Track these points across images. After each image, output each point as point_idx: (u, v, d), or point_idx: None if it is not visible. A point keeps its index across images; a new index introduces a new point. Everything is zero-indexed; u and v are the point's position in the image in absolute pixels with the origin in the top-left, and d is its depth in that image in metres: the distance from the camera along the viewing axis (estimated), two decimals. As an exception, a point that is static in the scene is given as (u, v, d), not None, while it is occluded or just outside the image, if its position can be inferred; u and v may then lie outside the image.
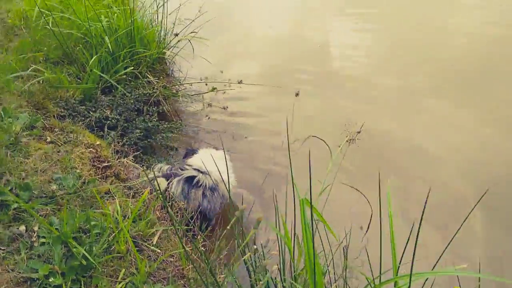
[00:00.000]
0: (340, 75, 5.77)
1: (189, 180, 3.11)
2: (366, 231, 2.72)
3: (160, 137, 3.94)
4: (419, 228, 1.57)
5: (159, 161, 3.84)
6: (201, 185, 3.08)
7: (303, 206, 1.96)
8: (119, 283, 2.06)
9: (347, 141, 2.94)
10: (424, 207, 1.40)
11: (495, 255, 3.21)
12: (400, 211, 3.44)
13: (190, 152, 3.53)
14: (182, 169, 3.19)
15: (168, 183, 2.96)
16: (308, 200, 1.95)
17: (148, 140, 3.85)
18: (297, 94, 3.74)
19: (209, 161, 2.90)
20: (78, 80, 4.16)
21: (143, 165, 3.72)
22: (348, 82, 5.57)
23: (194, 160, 3.24)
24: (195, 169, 3.15)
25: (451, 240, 1.80)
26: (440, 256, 1.85)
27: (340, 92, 5.31)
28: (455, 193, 3.78)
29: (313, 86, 5.37)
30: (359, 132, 3.07)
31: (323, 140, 2.73)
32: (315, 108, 4.82)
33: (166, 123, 4.14)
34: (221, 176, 2.50)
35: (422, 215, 1.42)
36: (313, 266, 1.82)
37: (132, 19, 4.46)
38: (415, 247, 1.54)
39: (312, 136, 2.75)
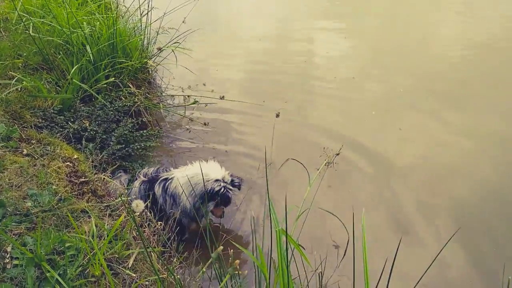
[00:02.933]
0: (323, 92, 5.85)
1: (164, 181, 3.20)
2: (343, 257, 2.78)
3: (138, 146, 3.89)
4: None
5: (140, 165, 3.82)
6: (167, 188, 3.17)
7: (279, 236, 2.00)
8: (93, 308, 2.05)
9: (325, 164, 3.01)
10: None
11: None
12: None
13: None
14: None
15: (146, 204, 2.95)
16: (284, 230, 2.00)
17: (126, 149, 3.79)
18: (277, 115, 3.77)
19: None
20: (58, 88, 4.09)
21: (121, 171, 3.67)
22: (331, 99, 5.64)
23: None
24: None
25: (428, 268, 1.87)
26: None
27: (321, 111, 5.38)
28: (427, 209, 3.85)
29: (296, 104, 5.44)
30: (337, 154, 3.13)
31: (302, 163, 2.77)
32: (296, 128, 4.87)
33: (144, 131, 4.11)
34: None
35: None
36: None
37: (115, 28, 4.42)
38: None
39: (291, 159, 2.78)
